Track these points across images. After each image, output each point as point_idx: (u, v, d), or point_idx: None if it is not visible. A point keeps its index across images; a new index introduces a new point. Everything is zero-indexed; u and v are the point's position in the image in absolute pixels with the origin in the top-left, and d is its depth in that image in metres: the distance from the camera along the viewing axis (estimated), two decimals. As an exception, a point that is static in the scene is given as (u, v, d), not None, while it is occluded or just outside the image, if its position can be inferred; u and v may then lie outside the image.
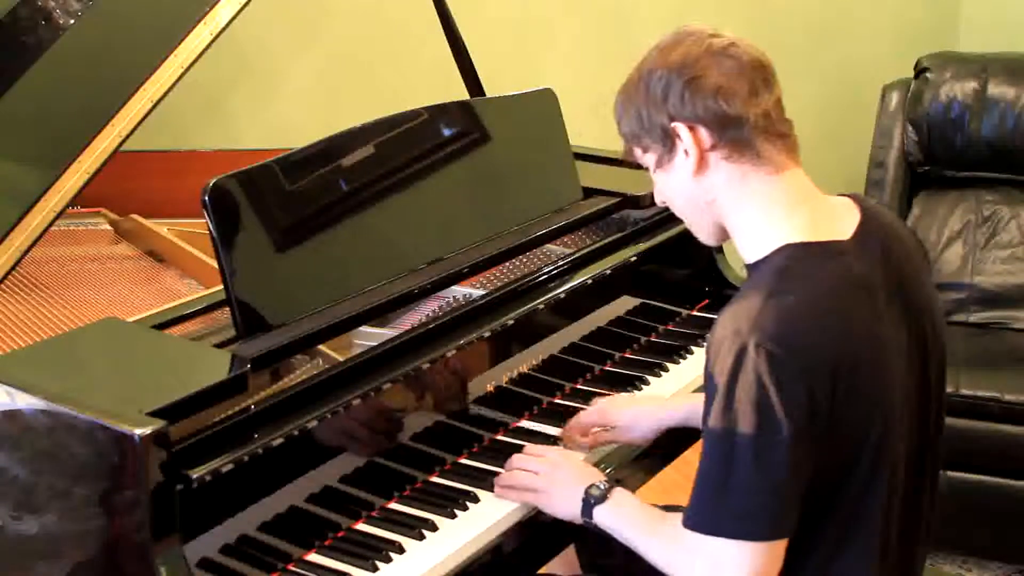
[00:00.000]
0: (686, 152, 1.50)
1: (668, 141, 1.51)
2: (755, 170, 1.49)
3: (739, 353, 1.37)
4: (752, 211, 1.50)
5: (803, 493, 1.41)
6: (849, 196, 1.57)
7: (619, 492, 1.63)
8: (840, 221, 1.52)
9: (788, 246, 1.46)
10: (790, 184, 1.50)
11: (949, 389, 2.75)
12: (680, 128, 1.49)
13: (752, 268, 1.50)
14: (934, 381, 1.58)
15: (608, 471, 1.87)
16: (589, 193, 2.27)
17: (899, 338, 1.49)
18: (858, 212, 1.54)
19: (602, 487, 1.63)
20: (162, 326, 1.73)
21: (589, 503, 1.62)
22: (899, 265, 1.53)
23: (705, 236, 1.60)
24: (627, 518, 1.60)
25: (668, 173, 1.55)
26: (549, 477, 1.69)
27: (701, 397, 1.50)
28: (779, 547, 1.42)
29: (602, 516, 1.61)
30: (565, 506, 1.66)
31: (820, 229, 1.48)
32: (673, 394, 2.04)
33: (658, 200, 1.63)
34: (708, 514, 1.42)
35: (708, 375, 1.43)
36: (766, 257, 1.48)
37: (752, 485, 1.38)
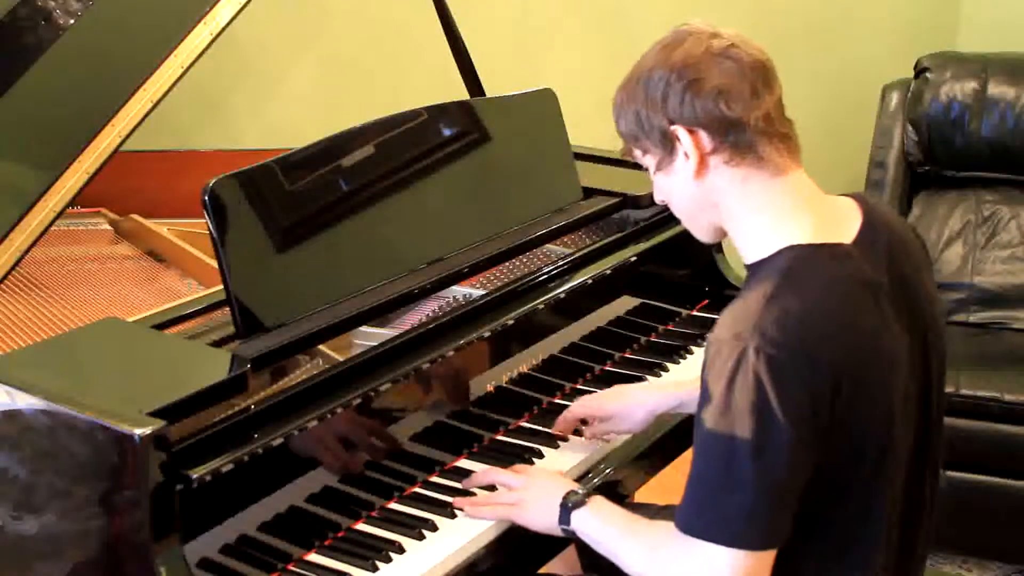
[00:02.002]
0: (686, 155, 1.48)
1: (668, 144, 1.50)
2: (757, 173, 1.47)
3: (739, 356, 1.36)
4: (754, 214, 1.49)
5: (799, 500, 1.40)
6: (851, 196, 1.56)
7: (598, 499, 1.62)
8: (843, 223, 1.50)
9: (791, 247, 1.45)
10: (793, 186, 1.49)
11: (949, 389, 2.77)
12: (680, 131, 1.47)
13: (753, 268, 1.48)
14: (935, 383, 1.57)
15: (608, 471, 1.87)
16: (589, 193, 2.27)
17: (902, 340, 1.48)
18: (860, 213, 1.52)
19: (580, 492, 1.61)
20: (162, 326, 1.73)
21: (567, 507, 1.60)
22: (901, 266, 1.52)
23: (703, 236, 1.59)
24: (606, 522, 1.58)
25: (668, 176, 1.53)
26: (524, 489, 1.68)
27: (693, 384, 1.48)
28: (770, 557, 1.40)
29: (580, 520, 1.59)
30: (542, 516, 1.64)
31: (824, 231, 1.47)
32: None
33: (658, 199, 1.61)
34: (704, 518, 1.39)
35: (705, 375, 1.41)
36: (768, 258, 1.46)
37: (750, 490, 1.36)
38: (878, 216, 1.54)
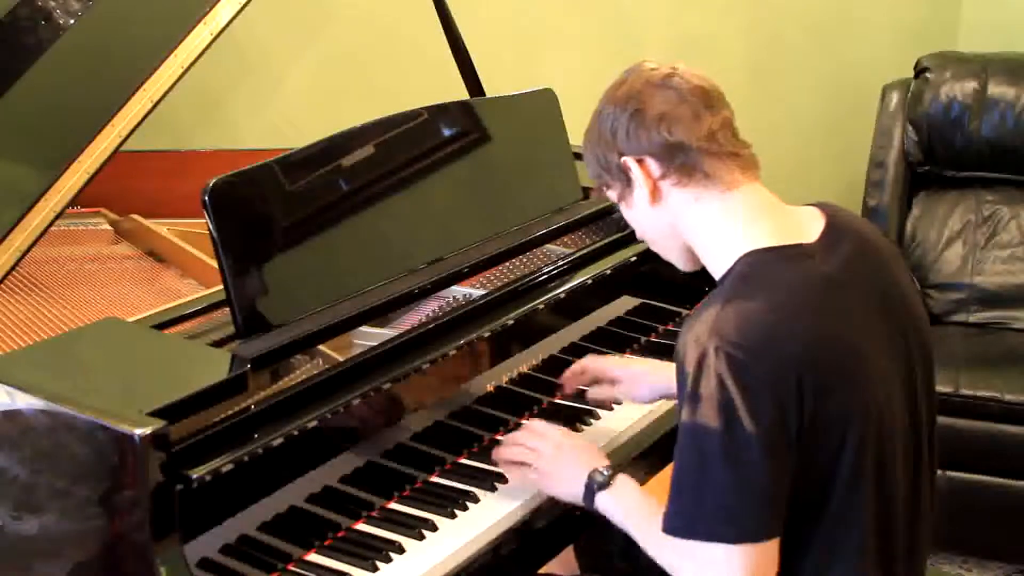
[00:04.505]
0: (640, 185, 1.54)
1: (623, 177, 1.56)
2: (707, 191, 1.52)
3: (700, 358, 1.39)
4: (711, 230, 1.53)
5: (786, 496, 1.41)
6: (815, 205, 1.59)
7: (622, 479, 1.63)
8: (805, 227, 1.53)
9: (750, 253, 1.48)
10: (746, 198, 1.52)
11: (949, 389, 2.78)
12: (629, 162, 1.54)
13: (720, 282, 1.52)
14: (920, 379, 1.57)
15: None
16: (589, 193, 2.27)
17: (878, 339, 1.49)
18: (824, 218, 1.55)
19: (605, 473, 1.63)
20: (162, 326, 1.73)
21: (592, 488, 1.62)
22: (874, 267, 1.54)
23: (679, 262, 1.63)
24: (628, 507, 1.60)
25: (631, 208, 1.60)
26: (552, 457, 1.69)
27: None
28: (769, 548, 1.41)
29: (603, 502, 1.61)
30: (566, 487, 1.66)
31: (783, 235, 1.50)
32: None
33: (638, 235, 1.66)
34: (684, 518, 1.43)
35: (677, 381, 1.44)
36: (730, 268, 1.49)
37: (723, 487, 1.39)
38: (842, 220, 1.57)
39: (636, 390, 1.92)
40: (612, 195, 1.62)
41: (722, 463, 1.38)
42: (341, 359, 1.72)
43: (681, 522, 1.43)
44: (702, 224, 1.53)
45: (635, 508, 1.60)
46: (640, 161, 1.53)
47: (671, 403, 2.03)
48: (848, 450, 1.44)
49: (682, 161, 1.51)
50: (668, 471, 1.99)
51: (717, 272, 1.53)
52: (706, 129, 1.51)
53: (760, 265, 1.47)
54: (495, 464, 1.79)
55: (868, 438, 1.45)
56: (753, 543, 1.40)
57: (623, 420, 1.97)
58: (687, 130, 1.50)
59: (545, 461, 1.70)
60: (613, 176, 1.58)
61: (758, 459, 1.37)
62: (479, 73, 2.50)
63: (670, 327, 2.30)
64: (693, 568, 1.44)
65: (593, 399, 1.96)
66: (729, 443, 1.37)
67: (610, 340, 2.17)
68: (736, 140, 1.54)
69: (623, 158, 1.54)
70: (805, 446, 1.41)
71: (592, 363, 1.97)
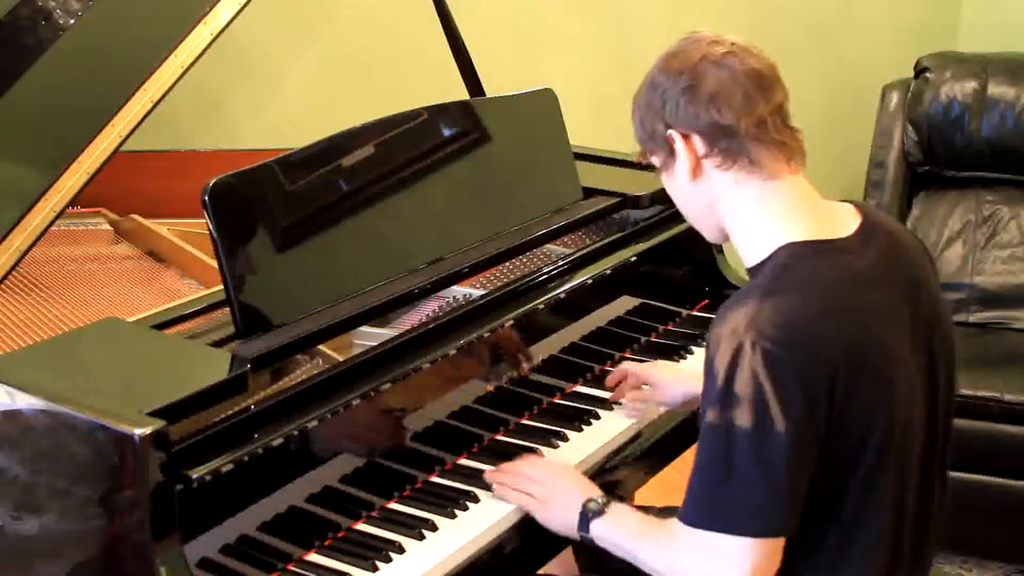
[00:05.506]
0: (682, 159, 1.53)
1: (667, 147, 1.55)
2: (748, 177, 1.51)
3: (736, 350, 1.39)
4: (748, 216, 1.52)
5: (805, 493, 1.42)
6: (850, 202, 1.59)
7: (617, 506, 1.63)
8: (840, 223, 1.53)
9: (788, 245, 1.48)
10: (787, 190, 1.51)
11: (949, 389, 2.77)
12: (675, 136, 1.53)
13: (753, 271, 1.52)
14: (942, 382, 1.57)
15: (608, 471, 1.87)
16: (589, 193, 2.27)
17: (903, 336, 1.49)
18: (859, 216, 1.55)
19: (600, 501, 1.63)
20: (162, 326, 1.73)
21: (586, 517, 1.62)
22: (906, 268, 1.54)
23: (709, 236, 1.63)
24: (625, 530, 1.59)
25: (671, 177, 1.59)
26: (547, 487, 1.69)
27: None
28: (778, 545, 1.42)
29: (599, 530, 1.61)
30: (561, 518, 1.66)
31: (820, 230, 1.50)
32: None
33: (675, 203, 1.67)
34: (705, 509, 1.43)
35: (707, 371, 1.44)
36: (767, 258, 1.49)
37: (750, 481, 1.39)
38: (876, 219, 1.57)
39: (667, 394, 1.97)
40: (655, 161, 1.60)
41: (749, 457, 1.38)
42: (341, 359, 1.72)
43: (701, 513, 1.43)
44: (739, 209, 1.53)
45: (633, 527, 1.59)
46: (686, 137, 1.52)
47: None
48: (870, 448, 1.44)
49: (728, 144, 1.50)
50: (668, 471, 2.01)
51: (749, 259, 1.53)
52: (757, 115, 1.49)
53: (798, 259, 1.47)
54: (495, 464, 1.79)
55: (890, 435, 1.45)
56: (770, 538, 1.41)
57: (623, 420, 1.97)
58: (737, 114, 1.49)
59: (539, 490, 1.69)
60: (657, 145, 1.57)
61: (786, 455, 1.37)
62: (479, 73, 2.50)
63: (670, 327, 2.30)
64: (701, 563, 1.44)
65: (633, 405, 1.98)
66: (758, 437, 1.37)
67: (610, 340, 2.17)
68: (785, 127, 1.52)
69: (669, 130, 1.53)
70: (828, 443, 1.41)
71: (632, 367, 2.01)
